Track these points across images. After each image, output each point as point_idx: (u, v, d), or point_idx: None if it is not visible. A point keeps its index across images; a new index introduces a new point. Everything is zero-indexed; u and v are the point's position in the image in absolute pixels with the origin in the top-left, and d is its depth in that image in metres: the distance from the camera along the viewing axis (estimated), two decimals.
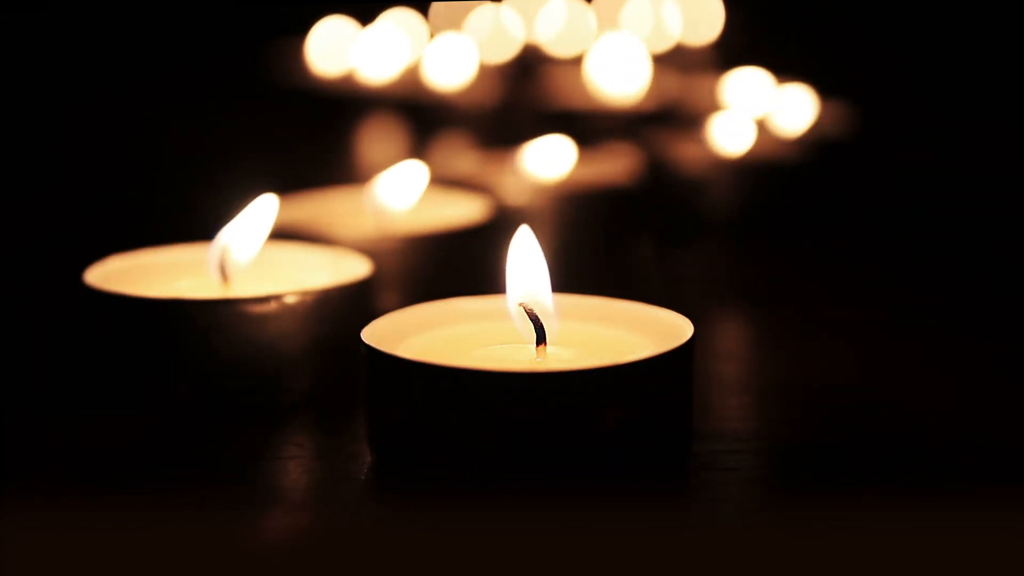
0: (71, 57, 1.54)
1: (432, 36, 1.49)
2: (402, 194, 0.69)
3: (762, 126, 0.94)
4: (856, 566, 0.39)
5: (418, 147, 1.16)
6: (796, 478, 0.45)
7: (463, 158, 0.91)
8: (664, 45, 1.52)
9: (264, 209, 0.57)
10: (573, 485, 0.43)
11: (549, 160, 0.80)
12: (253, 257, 0.57)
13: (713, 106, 0.92)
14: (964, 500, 0.43)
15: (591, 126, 1.12)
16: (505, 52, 1.51)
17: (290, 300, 0.52)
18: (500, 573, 0.39)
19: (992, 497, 0.44)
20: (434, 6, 1.59)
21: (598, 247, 0.78)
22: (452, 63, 1.32)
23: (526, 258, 0.49)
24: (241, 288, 0.56)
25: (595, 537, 0.41)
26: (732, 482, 0.45)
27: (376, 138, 0.70)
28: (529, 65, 1.46)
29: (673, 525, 0.43)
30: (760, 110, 1.02)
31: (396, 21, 1.52)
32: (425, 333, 0.49)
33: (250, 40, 1.62)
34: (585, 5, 1.62)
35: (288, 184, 0.85)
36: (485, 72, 1.37)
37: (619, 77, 1.21)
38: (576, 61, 1.34)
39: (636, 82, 1.21)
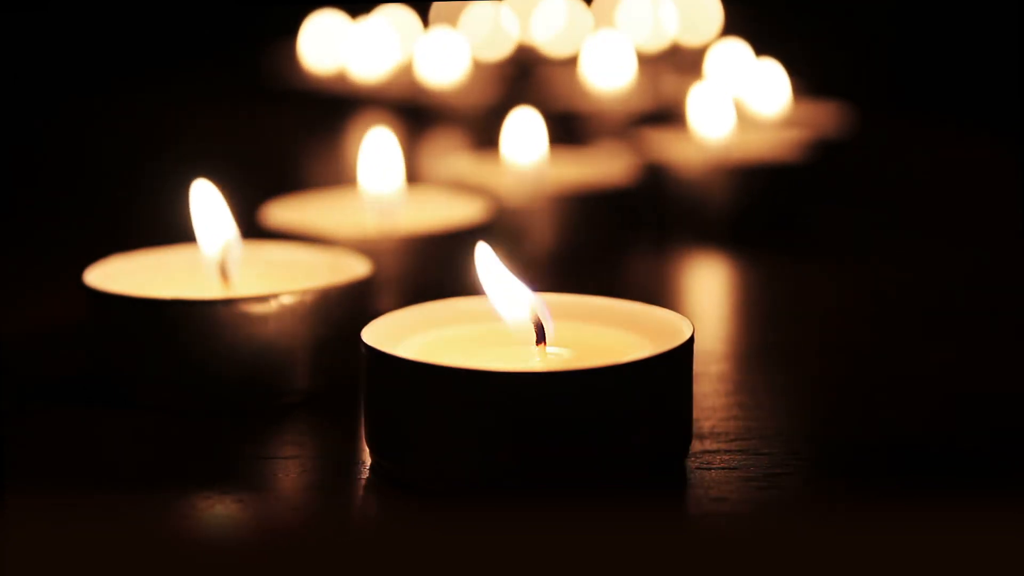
0: (66, 55, 1.54)
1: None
2: (395, 190, 0.69)
3: (740, 107, 0.94)
4: (857, 566, 0.39)
5: (414, 146, 1.16)
6: (796, 477, 0.45)
7: (460, 158, 0.91)
8: (661, 45, 1.52)
9: (208, 196, 0.57)
10: (572, 485, 0.43)
11: (532, 152, 0.80)
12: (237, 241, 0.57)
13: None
14: (967, 500, 0.44)
15: (590, 126, 1.12)
16: (502, 51, 1.52)
17: (290, 300, 0.52)
18: (500, 573, 0.39)
19: (996, 497, 0.44)
20: (435, 5, 1.59)
21: (598, 247, 0.78)
22: (445, 60, 1.32)
23: (494, 277, 0.48)
24: (241, 288, 0.56)
25: (595, 537, 0.41)
26: (732, 481, 0.45)
27: (371, 137, 0.70)
28: (526, 65, 1.46)
29: (672, 525, 0.43)
30: (739, 86, 1.02)
31: (389, 17, 1.52)
32: (425, 333, 0.49)
33: (244, 39, 1.62)
34: (583, 5, 1.62)
35: (287, 184, 0.86)
36: (480, 70, 1.37)
37: (610, 74, 1.22)
38: (573, 62, 1.34)
39: (625, 78, 1.21)
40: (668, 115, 1.06)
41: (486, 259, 0.48)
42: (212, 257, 0.56)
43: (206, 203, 0.57)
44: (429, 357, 0.45)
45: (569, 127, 1.08)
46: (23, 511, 0.43)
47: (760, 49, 1.13)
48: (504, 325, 0.49)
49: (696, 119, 0.88)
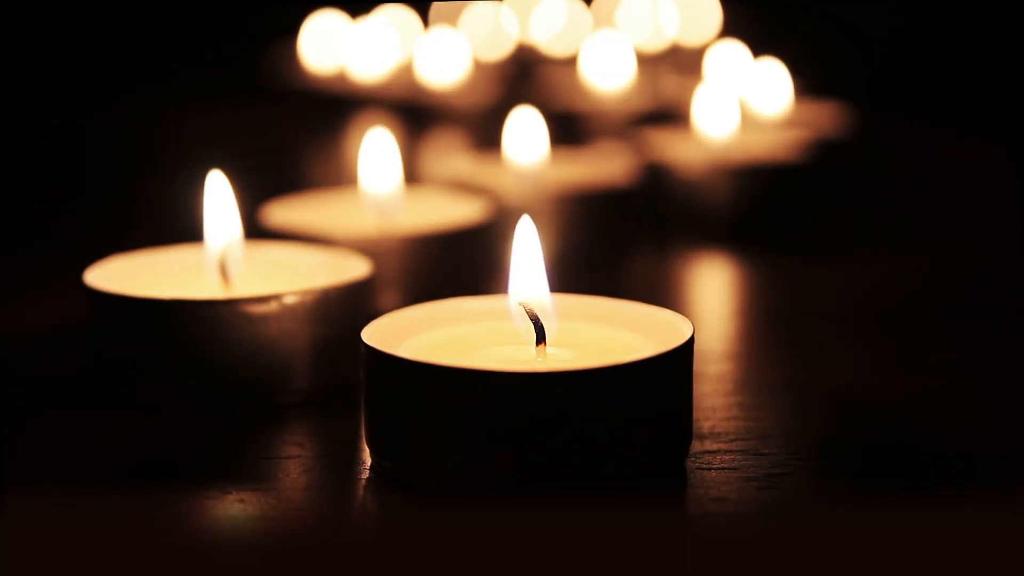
0: (66, 55, 1.54)
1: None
2: (394, 192, 0.69)
3: (744, 106, 0.94)
4: (857, 566, 0.39)
5: (414, 146, 1.16)
6: (796, 477, 0.45)
7: (460, 158, 0.91)
8: (660, 45, 1.52)
9: (220, 187, 0.57)
10: (573, 485, 0.43)
11: (536, 153, 0.80)
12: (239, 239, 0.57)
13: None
14: (967, 500, 0.44)
15: (590, 126, 1.12)
16: (502, 51, 1.52)
17: (290, 300, 0.52)
18: (500, 573, 0.39)
19: (996, 497, 0.44)
20: (435, 5, 1.59)
21: (598, 247, 0.78)
22: (445, 60, 1.32)
23: (526, 253, 0.49)
24: (241, 288, 0.56)
25: (595, 537, 0.41)
26: (732, 481, 0.45)
27: (371, 137, 0.70)
28: (526, 65, 1.46)
29: (672, 525, 0.43)
30: (740, 86, 1.03)
31: (389, 17, 1.52)
32: (425, 333, 0.49)
33: (244, 39, 1.62)
34: (583, 5, 1.62)
35: (287, 184, 0.86)
36: (480, 70, 1.37)
37: (610, 74, 1.22)
38: (573, 62, 1.34)
39: (625, 78, 1.21)
40: (668, 115, 1.06)
41: (526, 234, 0.49)
42: (214, 254, 0.56)
43: (217, 196, 0.57)
44: (429, 357, 0.45)
45: (569, 127, 1.08)
46: (23, 511, 0.43)
47: (760, 49, 1.13)
48: (507, 320, 0.49)
49: (700, 119, 0.88)
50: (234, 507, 0.44)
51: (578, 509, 0.42)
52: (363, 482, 0.46)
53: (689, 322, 0.47)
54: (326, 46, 1.48)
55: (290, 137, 1.25)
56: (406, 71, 1.36)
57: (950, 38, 1.40)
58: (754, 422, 0.51)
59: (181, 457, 0.48)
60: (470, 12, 1.58)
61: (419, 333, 0.49)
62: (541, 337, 0.48)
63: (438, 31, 1.42)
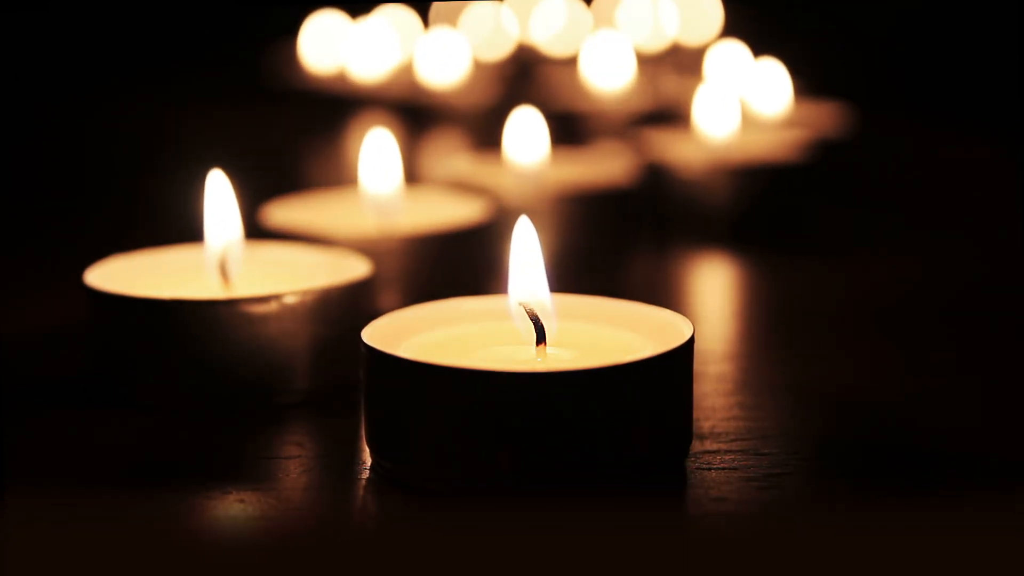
0: (66, 55, 1.54)
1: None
2: (395, 192, 0.69)
3: (744, 106, 0.94)
4: (857, 566, 0.39)
5: (414, 146, 1.16)
6: (796, 477, 0.45)
7: (460, 158, 0.91)
8: (661, 45, 1.52)
9: (220, 187, 0.57)
10: (572, 485, 0.43)
11: (536, 153, 0.80)
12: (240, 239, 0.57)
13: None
14: (967, 500, 0.44)
15: (590, 126, 1.12)
16: (502, 51, 1.52)
17: (290, 300, 0.52)
18: (500, 573, 0.39)
19: (996, 497, 0.44)
20: (435, 5, 1.59)
21: (598, 247, 0.78)
22: (445, 60, 1.32)
23: (525, 253, 0.49)
24: (241, 288, 0.56)
25: (595, 537, 0.41)
26: (732, 481, 0.45)
27: (371, 137, 0.70)
28: (526, 65, 1.46)
29: (672, 525, 0.43)
30: (740, 86, 1.03)
31: (389, 17, 1.52)
32: (425, 333, 0.49)
33: (244, 39, 1.62)
34: (583, 5, 1.62)
35: (287, 184, 0.86)
36: (480, 70, 1.37)
37: (610, 74, 1.22)
38: (574, 62, 1.34)
39: (625, 78, 1.21)
40: (668, 115, 1.06)
41: (525, 234, 0.49)
42: (214, 254, 0.56)
43: (217, 196, 0.57)
44: (429, 357, 0.45)
45: (569, 127, 1.08)
46: (23, 511, 0.43)
47: (760, 49, 1.13)
48: (507, 320, 0.49)
49: (700, 119, 0.88)
50: (234, 507, 0.44)
51: (578, 509, 0.42)
52: (363, 482, 0.46)
53: (689, 322, 0.47)
54: (326, 46, 1.48)
55: (290, 137, 1.24)
56: (406, 71, 1.36)
57: (950, 38, 1.40)
58: (754, 422, 0.51)
59: (181, 457, 0.48)
60: (470, 12, 1.58)
61: (419, 333, 0.49)
62: (541, 337, 0.48)
63: (438, 31, 1.42)
